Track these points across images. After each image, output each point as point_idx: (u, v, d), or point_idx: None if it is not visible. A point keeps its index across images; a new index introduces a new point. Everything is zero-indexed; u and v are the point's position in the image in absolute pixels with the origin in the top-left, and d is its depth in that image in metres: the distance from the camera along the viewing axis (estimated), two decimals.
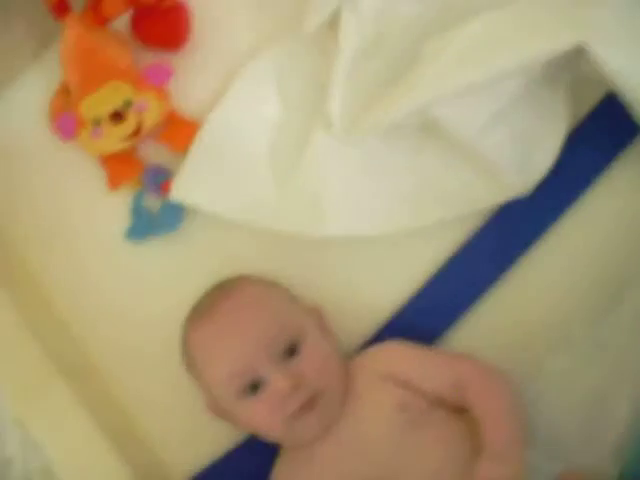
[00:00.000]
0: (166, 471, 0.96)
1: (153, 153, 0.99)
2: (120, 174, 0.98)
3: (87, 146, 0.95)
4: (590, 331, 0.93)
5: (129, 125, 0.93)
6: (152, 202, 0.97)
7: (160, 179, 0.97)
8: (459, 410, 0.89)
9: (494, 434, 0.85)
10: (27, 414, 0.89)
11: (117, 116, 0.93)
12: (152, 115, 0.93)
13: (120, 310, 0.98)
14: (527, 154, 0.90)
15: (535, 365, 0.92)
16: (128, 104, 0.93)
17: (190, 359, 0.90)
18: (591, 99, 0.93)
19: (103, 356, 0.97)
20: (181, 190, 0.95)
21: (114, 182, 0.98)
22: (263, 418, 0.85)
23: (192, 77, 0.98)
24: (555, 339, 0.93)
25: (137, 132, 0.94)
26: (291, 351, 0.84)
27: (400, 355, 0.91)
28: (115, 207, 0.98)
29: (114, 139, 0.94)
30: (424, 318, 0.95)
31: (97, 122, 0.93)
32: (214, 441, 0.95)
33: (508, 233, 0.94)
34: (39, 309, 0.98)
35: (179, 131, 0.97)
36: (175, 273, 0.98)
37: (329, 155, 0.93)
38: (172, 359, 0.93)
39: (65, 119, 0.95)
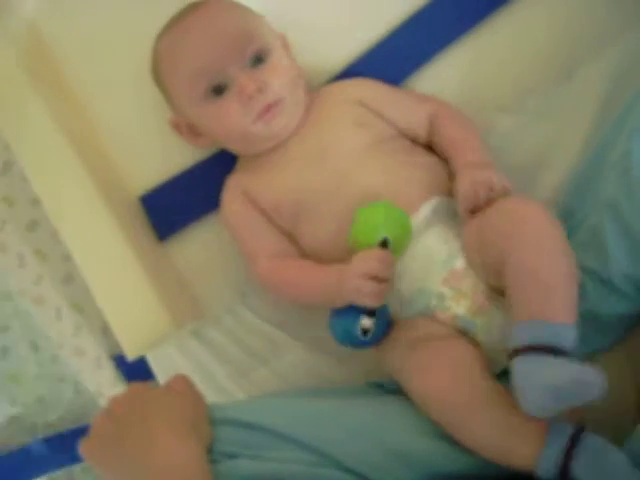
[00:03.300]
0: (126, 184, 1.03)
1: None
2: None
3: None
4: (540, 99, 1.01)
5: None
6: None
7: None
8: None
9: (470, 153, 0.92)
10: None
11: None
12: None
13: (98, 33, 1.01)
14: None
15: (485, 123, 1.01)
16: None
17: (158, 64, 0.95)
18: None
19: (75, 69, 1.02)
20: None
21: None
22: (229, 118, 0.90)
23: None
24: (507, 103, 1.01)
25: None
26: (258, 60, 0.89)
27: (373, 86, 0.98)
28: None
29: None
30: (386, 65, 1.00)
31: None
32: (173, 161, 1.02)
33: None
34: None
35: None
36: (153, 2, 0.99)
37: None
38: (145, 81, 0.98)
39: None
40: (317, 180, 0.93)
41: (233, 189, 0.99)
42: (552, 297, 0.78)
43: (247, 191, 0.98)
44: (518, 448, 0.77)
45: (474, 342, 0.87)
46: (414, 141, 0.99)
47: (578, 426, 0.76)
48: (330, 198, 0.92)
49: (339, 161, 0.93)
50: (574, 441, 0.74)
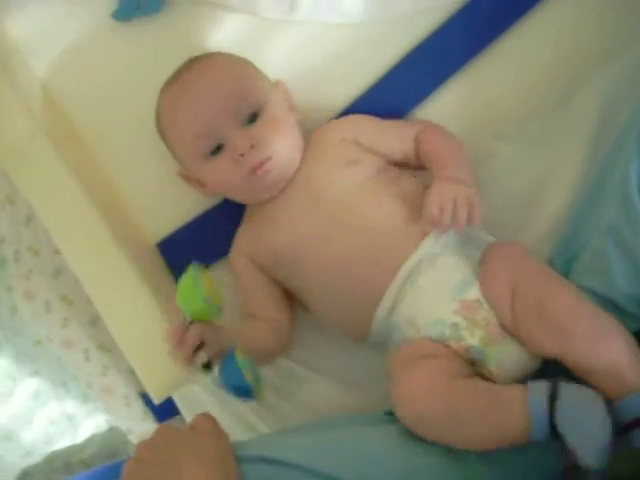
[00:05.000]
0: (143, 232, 1.08)
1: None
2: None
3: None
4: (538, 125, 1.02)
5: None
6: None
7: None
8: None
9: (445, 168, 0.95)
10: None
11: None
12: None
13: (108, 88, 1.05)
14: None
15: (486, 152, 1.02)
16: None
17: (161, 123, 0.99)
18: None
19: (88, 124, 1.06)
20: None
21: None
22: (224, 174, 0.94)
23: None
24: (506, 131, 1.03)
25: None
26: (253, 117, 0.93)
27: (364, 122, 1.01)
28: None
29: None
30: (384, 103, 1.03)
31: None
32: (187, 208, 1.07)
33: (471, 27, 1.01)
34: None
35: None
36: (158, 56, 1.02)
37: None
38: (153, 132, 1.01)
39: None
40: (312, 225, 0.96)
41: (239, 248, 1.03)
42: (627, 374, 0.80)
43: (250, 251, 1.01)
44: (507, 407, 0.80)
45: (457, 355, 0.89)
46: (405, 167, 1.01)
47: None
48: (326, 242, 0.95)
49: (333, 204, 0.95)
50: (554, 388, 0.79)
